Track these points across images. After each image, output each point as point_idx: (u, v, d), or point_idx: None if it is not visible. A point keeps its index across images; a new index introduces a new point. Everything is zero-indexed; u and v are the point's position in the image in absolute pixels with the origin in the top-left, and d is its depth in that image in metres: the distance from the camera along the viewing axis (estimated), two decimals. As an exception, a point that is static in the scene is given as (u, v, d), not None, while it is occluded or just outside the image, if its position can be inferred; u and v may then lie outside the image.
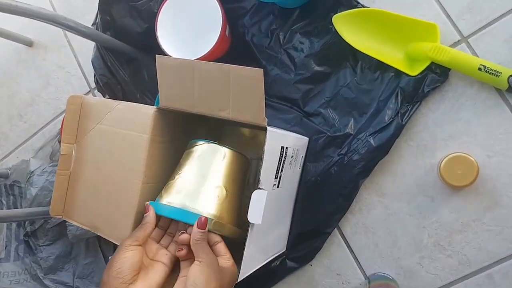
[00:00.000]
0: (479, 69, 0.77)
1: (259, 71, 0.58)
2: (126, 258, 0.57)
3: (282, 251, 0.88)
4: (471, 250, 0.81)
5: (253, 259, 0.69)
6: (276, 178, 0.70)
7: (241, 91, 0.61)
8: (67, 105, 0.73)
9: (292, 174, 0.83)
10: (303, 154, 0.87)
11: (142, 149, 0.68)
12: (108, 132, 0.71)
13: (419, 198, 0.84)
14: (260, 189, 0.62)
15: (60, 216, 0.74)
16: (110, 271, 0.56)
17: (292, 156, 0.77)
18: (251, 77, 0.59)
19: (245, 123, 0.63)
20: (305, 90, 0.89)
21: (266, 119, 0.61)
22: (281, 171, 0.72)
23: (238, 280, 0.62)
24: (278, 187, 0.73)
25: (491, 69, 0.76)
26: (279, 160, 0.70)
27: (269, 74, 0.91)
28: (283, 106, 0.91)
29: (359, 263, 0.88)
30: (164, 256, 0.62)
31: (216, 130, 0.90)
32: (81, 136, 0.74)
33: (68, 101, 0.74)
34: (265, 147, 0.61)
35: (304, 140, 0.87)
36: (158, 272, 0.60)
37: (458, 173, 0.76)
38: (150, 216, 0.63)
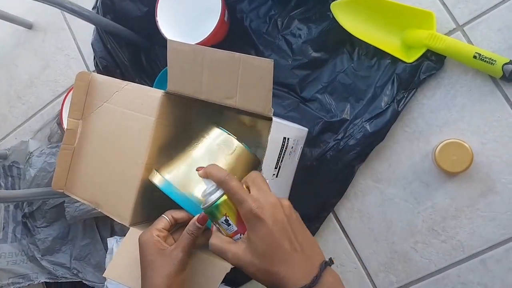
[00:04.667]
0: (474, 57, 0.84)
1: (269, 62, 0.63)
2: (184, 276, 0.62)
3: None
4: (465, 235, 0.88)
5: None
6: (276, 168, 0.76)
7: (250, 80, 0.65)
8: (75, 81, 0.78)
9: (291, 164, 0.88)
10: (302, 145, 0.93)
11: (148, 131, 0.74)
12: (115, 111, 0.76)
13: (414, 184, 0.91)
14: None
15: (62, 190, 0.79)
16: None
17: (292, 147, 0.82)
18: (261, 67, 0.64)
19: (245, 111, 0.67)
20: (302, 76, 0.96)
21: (272, 110, 0.65)
22: (281, 161, 0.77)
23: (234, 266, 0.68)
24: (277, 177, 0.78)
25: (485, 57, 0.83)
26: (280, 151, 0.75)
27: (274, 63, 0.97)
28: (280, 91, 0.98)
29: (353, 247, 0.95)
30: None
31: (216, 116, 0.95)
32: (87, 113, 0.79)
33: (76, 77, 0.79)
34: (269, 138, 0.66)
35: (304, 131, 0.93)
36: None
37: (453, 159, 0.83)
38: (200, 229, 0.64)
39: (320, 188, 0.94)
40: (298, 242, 0.53)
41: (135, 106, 0.75)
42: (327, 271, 0.52)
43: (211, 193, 0.58)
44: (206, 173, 0.58)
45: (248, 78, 0.65)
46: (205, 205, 0.58)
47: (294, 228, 0.54)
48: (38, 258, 1.11)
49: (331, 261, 0.54)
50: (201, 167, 0.60)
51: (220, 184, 0.56)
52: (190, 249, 0.64)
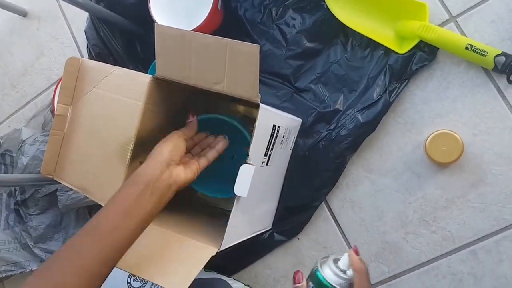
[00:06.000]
0: (466, 48, 0.84)
1: (256, 47, 0.63)
2: (180, 142, 0.70)
3: (268, 228, 0.96)
4: (455, 226, 0.89)
5: (237, 232, 0.76)
6: (265, 155, 0.77)
7: (237, 65, 0.66)
8: (65, 67, 0.79)
9: (283, 154, 0.89)
10: (295, 135, 0.94)
11: (136, 116, 0.74)
12: (104, 96, 0.77)
13: (406, 174, 0.92)
14: (248, 163, 0.67)
15: (51, 176, 0.80)
16: (167, 145, 0.67)
17: (283, 136, 0.83)
18: (247, 52, 0.64)
19: (240, 100, 0.68)
20: (296, 66, 0.97)
21: (260, 96, 0.66)
22: (271, 149, 0.78)
23: (220, 250, 0.68)
24: (267, 164, 0.79)
25: (477, 49, 0.84)
26: (270, 138, 0.76)
27: (261, 49, 0.96)
28: (274, 81, 0.99)
29: (345, 237, 0.96)
30: (194, 165, 0.72)
31: (211, 105, 0.95)
32: (77, 98, 0.80)
33: (66, 62, 0.79)
34: (256, 123, 0.67)
35: (298, 121, 0.94)
36: (190, 173, 0.70)
37: (443, 150, 0.84)
38: (195, 121, 0.76)
39: (312, 177, 0.95)
40: None
41: (123, 91, 0.75)
42: None
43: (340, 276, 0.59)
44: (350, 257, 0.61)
45: (235, 64, 0.66)
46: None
47: None
48: (31, 246, 1.12)
49: None
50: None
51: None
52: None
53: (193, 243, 0.69)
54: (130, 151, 0.74)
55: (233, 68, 0.66)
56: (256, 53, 0.63)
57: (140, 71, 1.07)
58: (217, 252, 0.68)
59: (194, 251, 0.68)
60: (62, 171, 0.80)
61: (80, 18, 1.18)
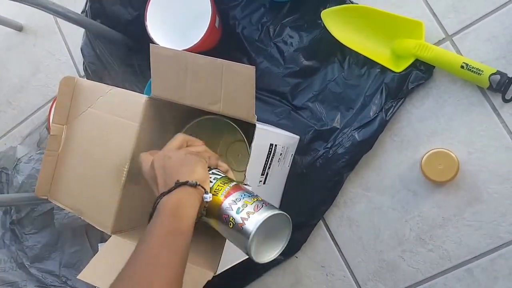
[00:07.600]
0: (462, 67, 0.86)
1: (251, 68, 0.64)
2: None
3: None
4: (452, 244, 0.90)
5: (234, 254, 0.74)
6: (262, 174, 0.77)
7: (233, 86, 0.67)
8: (60, 86, 0.79)
9: (281, 171, 0.90)
10: (293, 152, 0.95)
11: (131, 137, 0.74)
12: (99, 116, 0.77)
13: (402, 193, 0.93)
14: (246, 184, 0.67)
15: (46, 197, 0.80)
16: None
17: (281, 154, 0.84)
18: (243, 73, 0.65)
19: (236, 119, 0.68)
20: (294, 84, 0.98)
21: (256, 116, 0.67)
22: (269, 168, 0.79)
23: (217, 273, 0.69)
24: (264, 183, 0.79)
25: (473, 67, 0.85)
26: (267, 157, 0.76)
27: (258, 67, 1.00)
28: (272, 99, 1.00)
29: (343, 255, 0.97)
30: None
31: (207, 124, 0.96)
32: (72, 118, 0.79)
33: (61, 82, 0.79)
34: (253, 144, 0.68)
35: (295, 138, 0.95)
36: None
37: (439, 168, 0.85)
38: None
39: (310, 195, 0.96)
40: (171, 175, 0.60)
41: (119, 111, 0.75)
42: (183, 187, 0.59)
43: None
44: None
45: (231, 84, 0.66)
46: None
47: (167, 170, 0.61)
48: (27, 266, 1.12)
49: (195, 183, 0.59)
50: None
51: None
52: None
53: (189, 267, 0.69)
54: (125, 172, 0.74)
55: (229, 89, 0.67)
56: (252, 74, 0.64)
57: (137, 87, 1.09)
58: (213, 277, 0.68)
59: (189, 275, 0.68)
60: (57, 192, 0.79)
61: (77, 34, 1.18)
